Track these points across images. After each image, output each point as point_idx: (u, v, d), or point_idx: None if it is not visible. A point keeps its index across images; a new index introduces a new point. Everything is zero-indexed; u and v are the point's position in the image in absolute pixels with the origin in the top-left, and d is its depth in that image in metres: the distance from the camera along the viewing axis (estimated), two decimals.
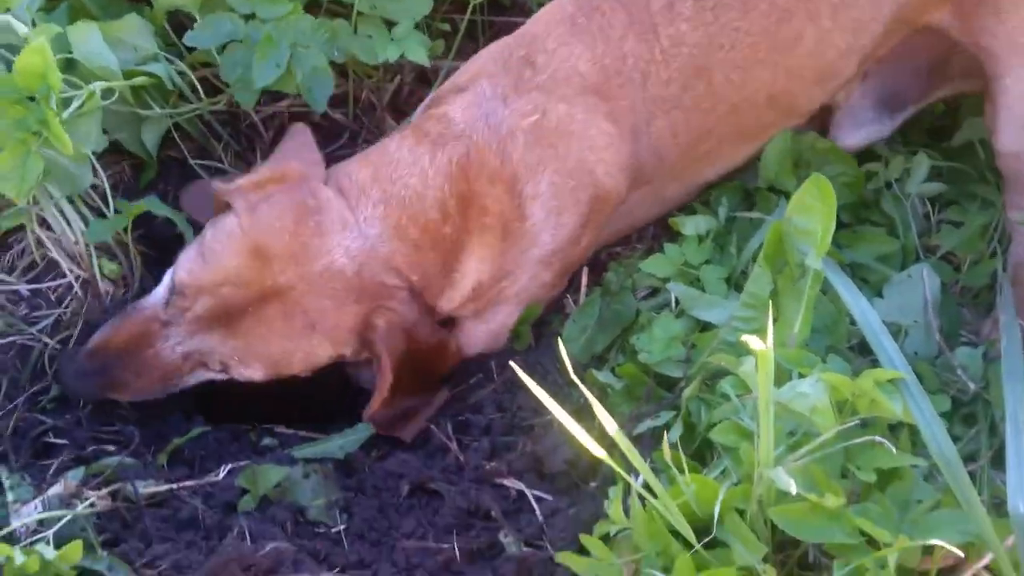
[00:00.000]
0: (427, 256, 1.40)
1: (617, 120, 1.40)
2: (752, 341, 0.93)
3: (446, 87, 1.49)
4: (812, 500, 1.01)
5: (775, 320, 1.32)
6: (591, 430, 1.33)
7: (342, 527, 1.25)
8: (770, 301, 1.27)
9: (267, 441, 1.39)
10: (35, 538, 1.12)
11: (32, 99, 1.34)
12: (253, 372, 1.35)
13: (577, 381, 1.10)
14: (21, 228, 1.53)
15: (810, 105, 1.52)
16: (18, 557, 0.99)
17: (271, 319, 1.33)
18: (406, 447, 1.36)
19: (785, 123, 1.53)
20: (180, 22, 1.66)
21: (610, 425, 1.01)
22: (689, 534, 1.03)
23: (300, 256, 1.34)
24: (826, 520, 1.03)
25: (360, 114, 1.78)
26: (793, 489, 0.96)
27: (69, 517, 1.13)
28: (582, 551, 1.16)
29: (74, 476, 1.19)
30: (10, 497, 1.19)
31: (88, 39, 1.46)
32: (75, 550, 1.03)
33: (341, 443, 1.37)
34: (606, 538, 1.13)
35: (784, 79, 1.45)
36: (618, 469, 1.03)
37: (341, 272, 1.35)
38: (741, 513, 1.08)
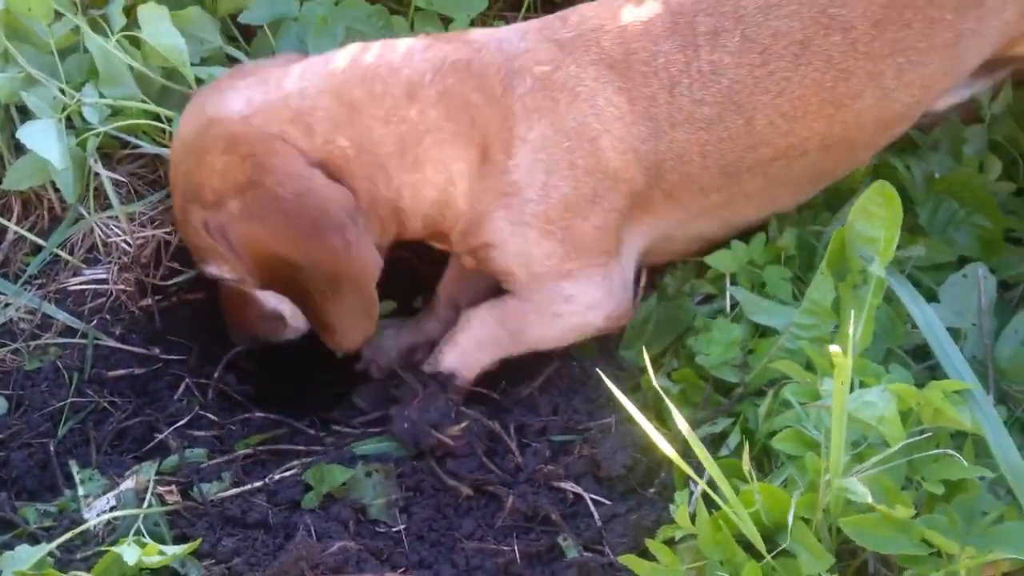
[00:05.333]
0: (372, 125, 1.30)
1: (633, 101, 1.34)
2: (832, 351, 0.93)
3: None
4: (882, 510, 1.01)
5: (836, 328, 1.32)
6: (647, 436, 1.34)
7: (402, 527, 1.25)
8: (832, 309, 1.27)
9: (328, 439, 1.40)
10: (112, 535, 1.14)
11: None
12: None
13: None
14: None
15: (873, 150, 1.47)
16: (129, 557, 1.00)
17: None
18: (464, 448, 1.36)
19: (847, 168, 1.47)
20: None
21: (684, 428, 1.01)
22: (759, 543, 1.03)
23: (195, 113, 1.33)
24: (894, 531, 1.03)
25: None
26: (869, 499, 0.96)
27: (142, 515, 1.15)
28: (643, 555, 1.16)
29: (146, 472, 1.21)
30: (81, 491, 1.21)
31: (157, 20, 1.48)
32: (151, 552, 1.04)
33: (396, 443, 1.38)
34: (669, 543, 1.14)
35: (841, 130, 1.38)
36: (690, 473, 1.03)
37: (226, 119, 1.28)
38: (807, 522, 1.08)
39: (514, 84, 1.33)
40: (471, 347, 1.43)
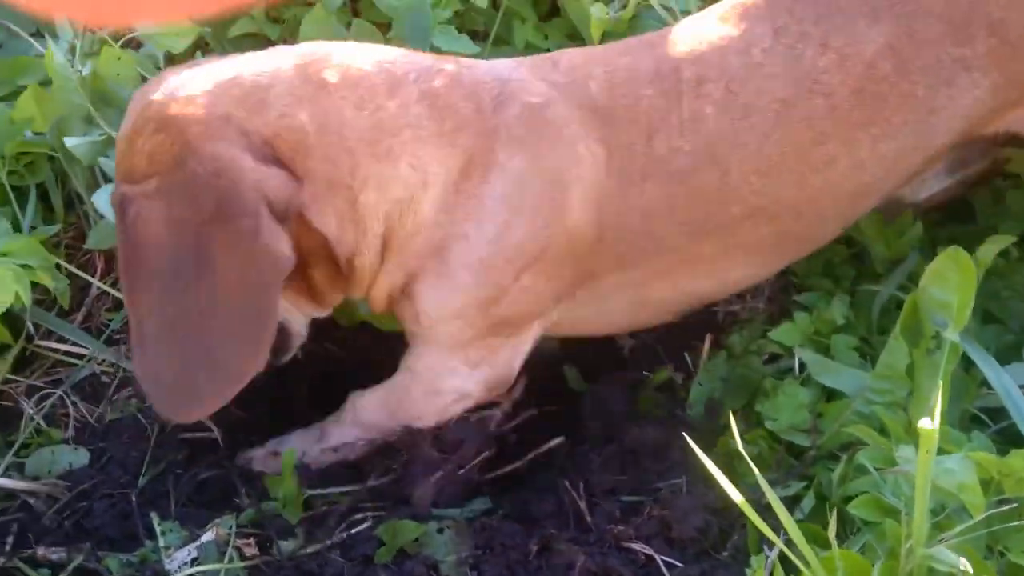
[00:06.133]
0: (342, 106, 1.19)
1: (611, 151, 1.27)
2: (921, 425, 0.93)
3: None
4: None
5: (909, 393, 1.31)
6: (719, 498, 1.34)
7: None
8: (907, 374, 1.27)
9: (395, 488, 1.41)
10: None
11: None
12: None
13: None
14: None
15: (842, 224, 1.43)
16: None
17: None
18: (533, 503, 1.37)
19: (815, 242, 1.43)
20: None
21: (765, 488, 1.01)
22: None
23: (137, 99, 1.24)
24: None
25: None
26: (968, 568, 0.95)
27: (224, 570, 1.17)
28: None
29: (225, 524, 1.23)
30: (162, 543, 1.23)
31: None
32: None
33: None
34: None
35: (812, 194, 1.34)
36: (770, 535, 1.03)
37: (164, 100, 1.16)
38: None
39: (505, 105, 1.25)
40: (355, 432, 1.40)
